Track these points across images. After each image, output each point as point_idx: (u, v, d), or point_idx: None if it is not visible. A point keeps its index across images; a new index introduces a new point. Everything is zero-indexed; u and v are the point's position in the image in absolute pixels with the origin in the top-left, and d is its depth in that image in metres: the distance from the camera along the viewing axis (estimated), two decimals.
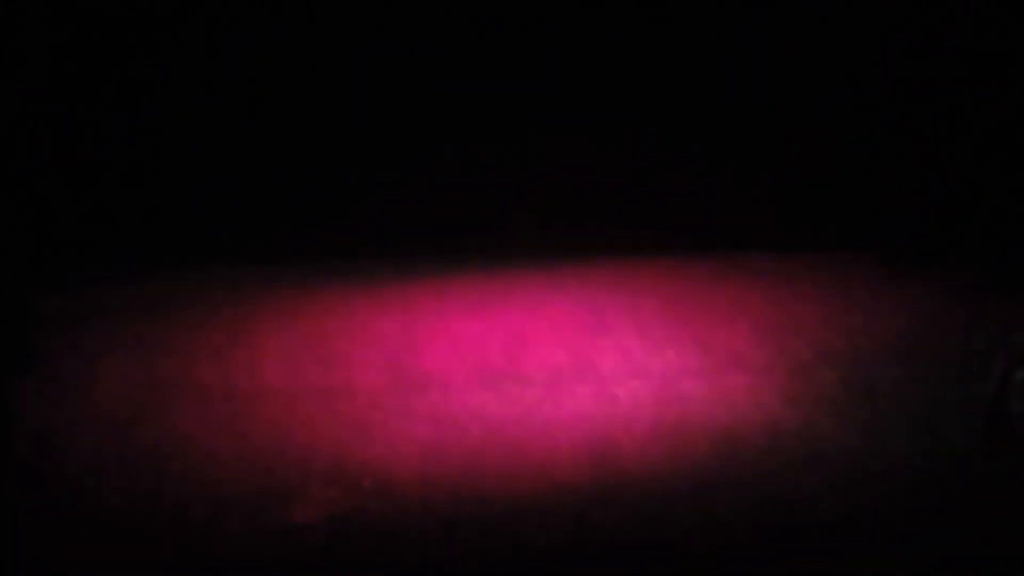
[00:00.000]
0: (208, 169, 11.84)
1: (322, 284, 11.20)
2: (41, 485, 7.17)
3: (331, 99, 11.89)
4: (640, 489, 7.04)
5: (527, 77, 11.90)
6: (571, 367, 9.07)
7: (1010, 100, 10.86)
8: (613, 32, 11.83)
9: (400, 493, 7.01)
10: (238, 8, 11.60)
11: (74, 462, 7.50)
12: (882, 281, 11.30)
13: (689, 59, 11.88)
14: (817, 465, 7.35)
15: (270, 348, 9.49)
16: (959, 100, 11.26)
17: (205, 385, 8.76)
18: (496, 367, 9.09)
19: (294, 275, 11.47)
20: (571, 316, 10.33)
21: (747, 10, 11.71)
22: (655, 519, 6.37)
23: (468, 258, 11.91)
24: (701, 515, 6.67)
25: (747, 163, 12.21)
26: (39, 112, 11.38)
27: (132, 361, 9.19)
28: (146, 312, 10.37)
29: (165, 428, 8.00)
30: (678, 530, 6.35)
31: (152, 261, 11.66)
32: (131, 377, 8.88)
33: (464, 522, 6.60)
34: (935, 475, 7.25)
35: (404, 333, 9.84)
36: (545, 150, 12.15)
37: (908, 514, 6.75)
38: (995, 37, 10.90)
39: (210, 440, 7.82)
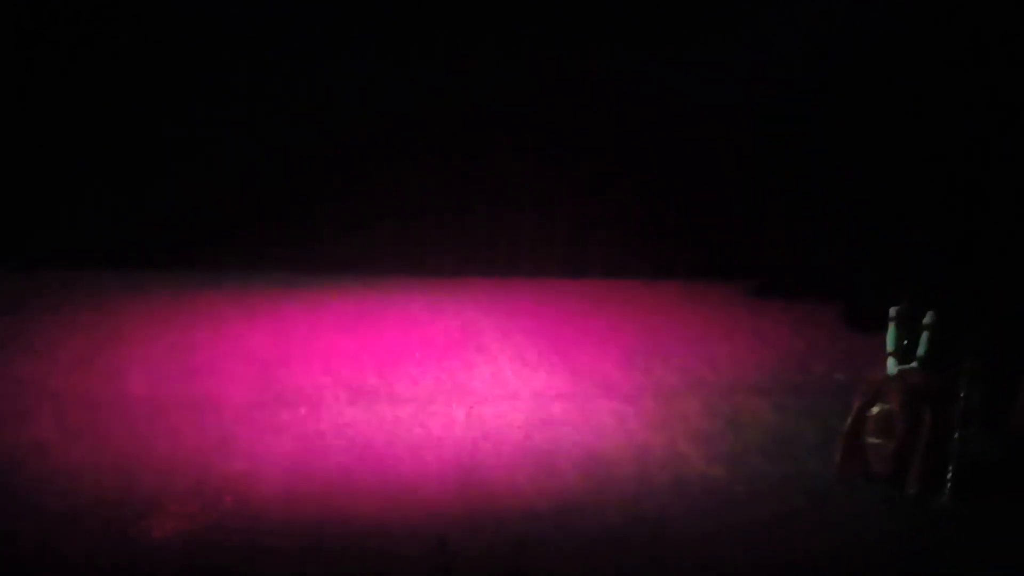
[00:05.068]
0: (73, 164, 11.51)
1: (192, 293, 10.94)
2: None
3: (224, 105, 11.69)
4: (504, 510, 6.96)
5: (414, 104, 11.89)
6: (443, 387, 8.97)
7: (875, 151, 11.12)
8: (498, 65, 11.90)
9: (262, 510, 6.78)
10: None
11: None
12: (749, 313, 11.50)
13: (578, 91, 11.98)
14: (681, 491, 7.33)
15: (135, 356, 9.24)
16: (830, 147, 11.53)
17: (65, 391, 8.45)
18: (367, 384, 8.94)
19: (163, 282, 11.21)
20: (445, 335, 10.23)
21: (643, 58, 11.91)
22: (518, 541, 6.33)
23: (343, 273, 11.84)
24: (564, 537, 6.64)
25: (622, 192, 12.34)
26: None
27: None
28: (7, 312, 10.04)
29: (22, 434, 7.68)
30: (540, 553, 6.32)
31: (16, 260, 11.32)
32: None
33: (329, 545, 6.47)
34: (791, 499, 7.30)
35: (275, 347, 9.64)
36: (426, 173, 12.14)
37: (767, 539, 6.82)
38: (868, 95, 11.16)
39: (67, 448, 7.50)
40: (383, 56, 11.81)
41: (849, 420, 7.74)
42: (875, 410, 7.64)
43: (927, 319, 7.69)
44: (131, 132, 11.62)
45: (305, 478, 7.27)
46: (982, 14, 10.22)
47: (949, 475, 7.31)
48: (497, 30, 11.84)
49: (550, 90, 11.99)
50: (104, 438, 7.73)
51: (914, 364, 7.66)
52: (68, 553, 6.25)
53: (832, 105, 11.48)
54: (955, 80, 10.40)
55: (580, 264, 12.46)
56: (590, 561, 6.41)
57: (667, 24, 11.81)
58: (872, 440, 7.62)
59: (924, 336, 7.67)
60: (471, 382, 9.15)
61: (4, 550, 6.22)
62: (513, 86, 11.96)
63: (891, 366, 7.73)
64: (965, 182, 10.13)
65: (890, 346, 7.84)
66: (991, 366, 7.61)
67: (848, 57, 11.29)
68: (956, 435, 7.34)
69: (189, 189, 11.69)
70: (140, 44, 11.46)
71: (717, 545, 6.69)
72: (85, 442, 7.65)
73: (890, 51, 10.96)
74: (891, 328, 7.89)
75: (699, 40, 11.87)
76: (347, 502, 6.97)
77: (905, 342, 7.74)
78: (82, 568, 6.13)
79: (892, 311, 8.03)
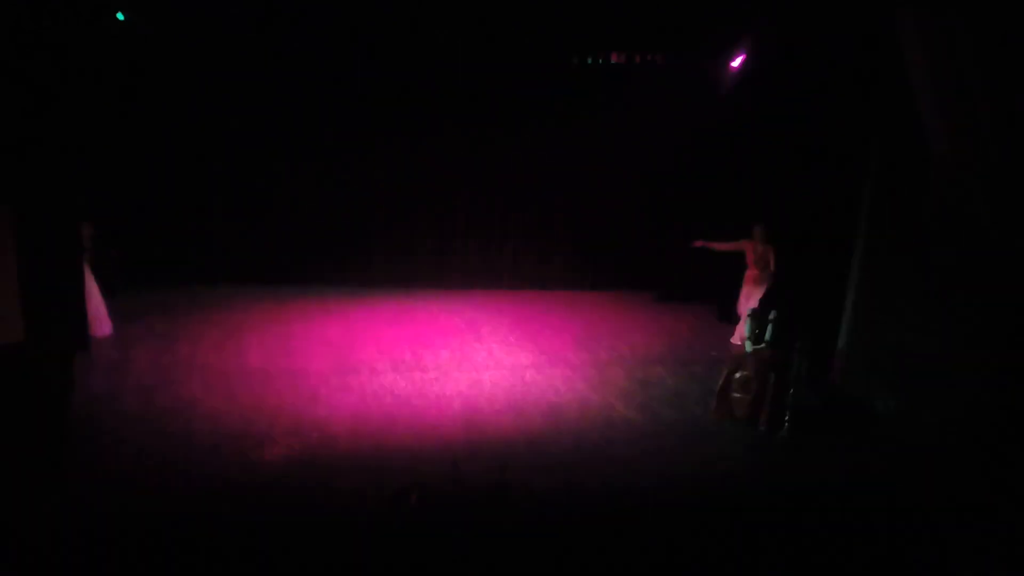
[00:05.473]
0: (212, 213, 11.34)
1: (289, 302, 10.86)
2: (92, 433, 6.83)
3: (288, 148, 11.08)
4: (494, 442, 6.99)
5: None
6: (453, 361, 8.97)
7: (737, 191, 10.79)
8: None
9: (337, 443, 6.79)
10: None
11: (115, 416, 7.12)
12: (654, 311, 11.54)
13: (530, 146, 11.61)
14: (611, 428, 7.37)
15: (252, 342, 9.19)
16: (708, 190, 11.41)
17: (207, 365, 8.42)
18: (404, 359, 8.94)
19: (269, 293, 11.17)
20: (455, 327, 10.25)
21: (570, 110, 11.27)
22: (504, 463, 6.35)
23: (390, 287, 11.81)
24: (533, 459, 6.66)
25: (570, 233, 12.29)
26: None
27: (156, 348, 8.81)
28: (166, 314, 9.99)
29: (179, 394, 7.65)
30: (518, 469, 6.34)
31: (170, 279, 11.26)
32: (155, 359, 8.50)
33: (380, 464, 6.47)
34: (683, 433, 7.36)
35: (344, 335, 9.60)
36: (446, 223, 12.06)
37: (666, 458, 6.85)
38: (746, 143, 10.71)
39: (209, 403, 7.48)
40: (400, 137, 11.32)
41: (720, 381, 7.80)
42: (738, 375, 7.71)
43: (771, 316, 7.77)
44: (248, 191, 11.47)
45: (364, 421, 7.26)
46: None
47: (787, 418, 7.39)
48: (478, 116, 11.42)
49: (527, 172, 11.80)
50: (232, 395, 7.70)
51: (763, 345, 7.74)
52: (209, 471, 6.25)
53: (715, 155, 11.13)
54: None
55: (542, 280, 12.47)
56: (551, 475, 6.43)
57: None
58: (736, 395, 7.68)
59: (769, 327, 7.75)
60: (472, 357, 9.15)
61: (165, 472, 6.21)
62: (503, 166, 11.78)
63: (748, 346, 7.80)
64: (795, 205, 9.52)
65: (747, 333, 7.91)
66: (812, 345, 7.69)
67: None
68: (791, 391, 7.42)
69: (285, 231, 11.65)
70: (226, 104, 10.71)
71: (634, 462, 6.72)
72: (220, 397, 7.62)
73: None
74: (748, 321, 7.96)
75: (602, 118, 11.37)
76: (391, 436, 6.97)
77: (757, 331, 7.82)
78: (218, 479, 6.12)
79: (748, 310, 8.09)
